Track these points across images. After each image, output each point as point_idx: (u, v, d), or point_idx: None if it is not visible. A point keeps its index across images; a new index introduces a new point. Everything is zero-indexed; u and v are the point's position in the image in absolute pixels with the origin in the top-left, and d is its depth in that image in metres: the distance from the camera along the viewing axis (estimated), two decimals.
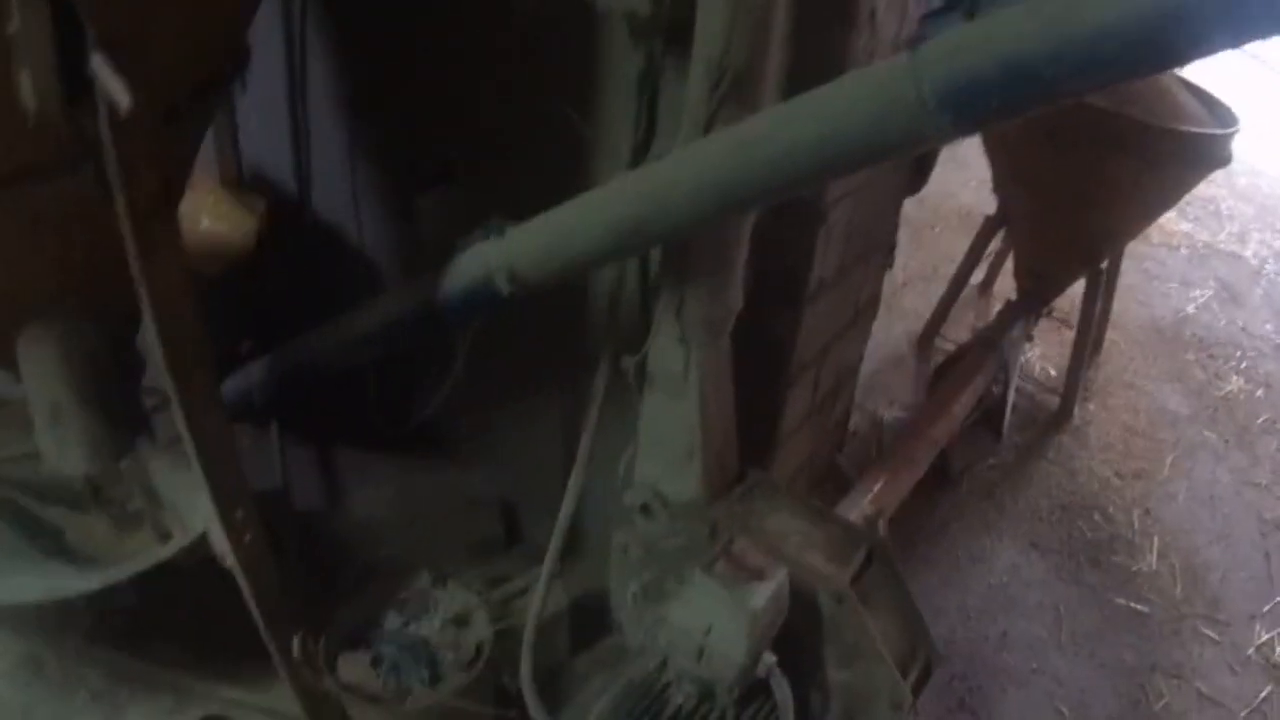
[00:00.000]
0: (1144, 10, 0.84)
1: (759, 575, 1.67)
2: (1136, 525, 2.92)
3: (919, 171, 2.12)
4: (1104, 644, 2.57)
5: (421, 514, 2.63)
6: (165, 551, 1.94)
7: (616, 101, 1.68)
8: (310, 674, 1.96)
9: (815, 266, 1.83)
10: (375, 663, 2.07)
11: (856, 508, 2.29)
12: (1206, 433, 3.37)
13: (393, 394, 2.58)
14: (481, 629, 2.10)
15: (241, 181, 2.71)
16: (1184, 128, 2.77)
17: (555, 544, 1.93)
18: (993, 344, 2.93)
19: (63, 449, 2.01)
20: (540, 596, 1.95)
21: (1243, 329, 4.12)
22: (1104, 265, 3.22)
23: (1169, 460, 3.19)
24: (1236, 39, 0.84)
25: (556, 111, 1.76)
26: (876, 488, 2.37)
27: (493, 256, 1.73)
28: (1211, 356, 3.83)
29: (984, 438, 3.07)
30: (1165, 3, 0.83)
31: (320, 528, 2.67)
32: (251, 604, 1.88)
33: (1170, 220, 4.89)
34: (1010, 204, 3.12)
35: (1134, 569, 2.77)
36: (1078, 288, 3.22)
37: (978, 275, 3.65)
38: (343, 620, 2.12)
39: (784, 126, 1.20)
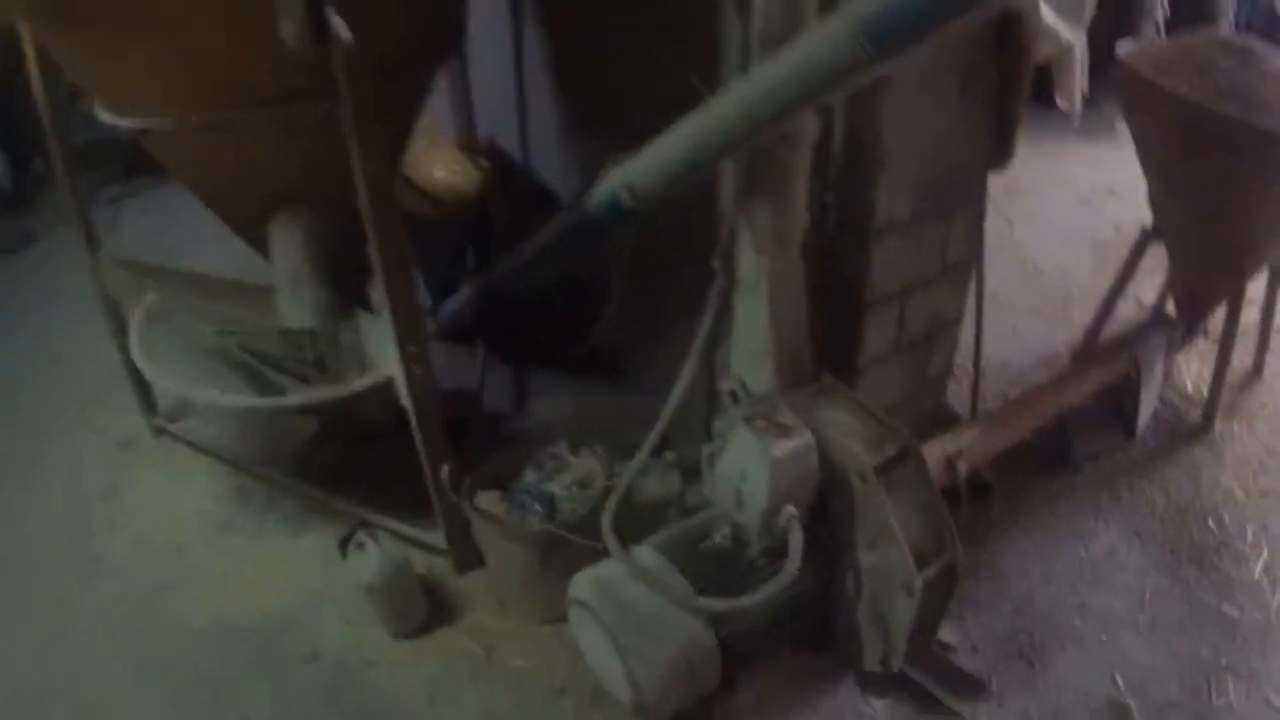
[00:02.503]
0: None
1: (787, 434, 2.08)
2: (1250, 537, 3.06)
3: (1002, 144, 2.50)
4: (1182, 635, 2.73)
5: (585, 421, 3.25)
6: (359, 384, 2.65)
7: (728, 67, 2.21)
8: (451, 495, 2.56)
9: (879, 206, 2.28)
10: (507, 501, 2.64)
11: (940, 446, 2.63)
12: None
13: (572, 323, 3.24)
14: (598, 489, 2.62)
15: (475, 145, 3.50)
16: None
17: (662, 420, 2.42)
18: (1127, 343, 3.16)
19: (296, 309, 2.79)
20: (637, 461, 2.44)
21: None
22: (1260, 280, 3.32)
23: None
24: None
25: (684, 79, 2.33)
26: (968, 435, 2.69)
27: (619, 177, 2.32)
28: None
29: (1115, 434, 3.30)
30: None
31: (503, 424, 3.41)
32: (415, 427, 2.52)
33: None
34: (1161, 217, 3.33)
35: (1235, 575, 2.92)
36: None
37: (1150, 296, 3.81)
38: (490, 469, 2.71)
39: (775, 65, 1.80)
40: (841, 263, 2.46)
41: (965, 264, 2.76)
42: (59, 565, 3.12)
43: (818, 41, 1.68)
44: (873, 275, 2.46)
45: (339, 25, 2.01)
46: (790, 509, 2.10)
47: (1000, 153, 2.57)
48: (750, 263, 2.18)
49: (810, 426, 2.14)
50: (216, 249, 3.44)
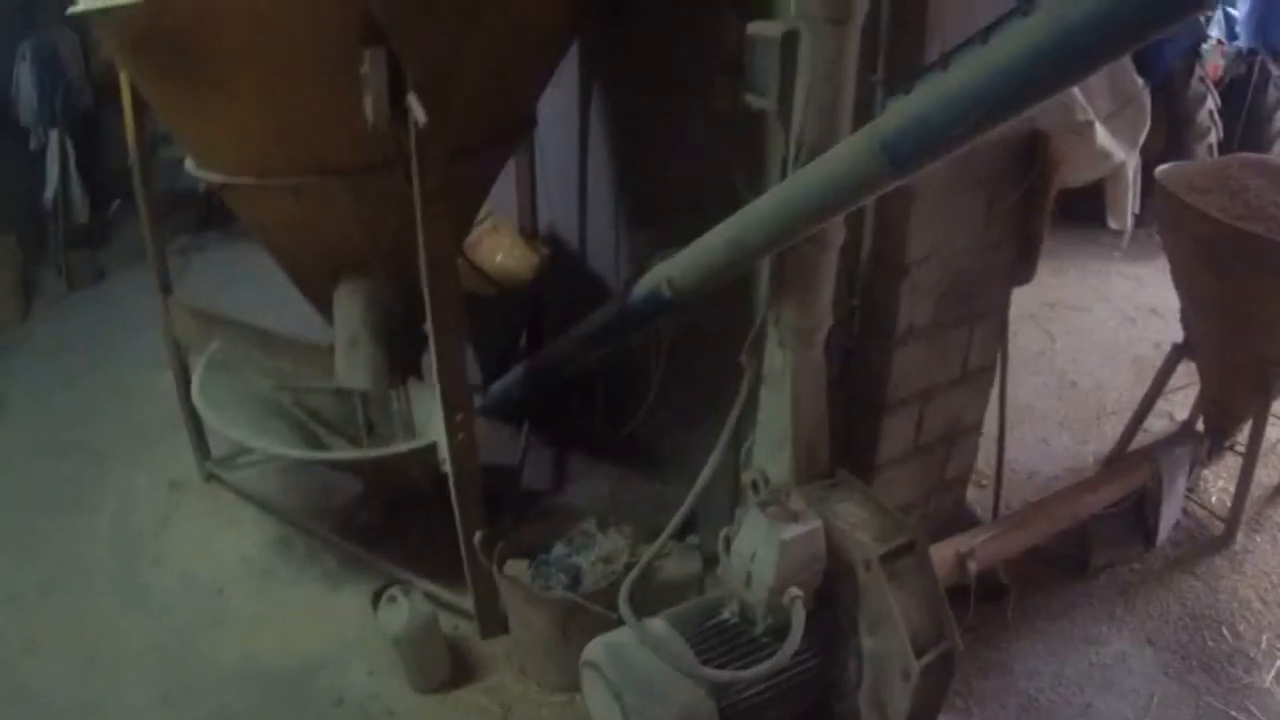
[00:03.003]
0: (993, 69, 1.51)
1: (797, 520, 2.25)
2: (1264, 645, 3.14)
3: (1025, 259, 2.68)
4: None
5: (618, 503, 3.46)
6: (402, 447, 2.82)
7: (770, 173, 2.41)
8: (482, 560, 2.74)
9: (902, 311, 2.47)
10: (534, 570, 2.82)
11: (952, 545, 2.77)
12: None
13: (613, 410, 3.44)
14: (621, 565, 2.79)
15: (535, 233, 3.75)
16: None
17: (686, 503, 2.58)
18: (1149, 454, 3.29)
19: (352, 371, 3.01)
20: (660, 540, 2.60)
21: None
22: None
23: None
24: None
25: (729, 181, 2.54)
26: (981, 537, 2.83)
27: (661, 271, 2.52)
28: None
29: (1134, 543, 3.40)
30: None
31: (540, 500, 3.62)
32: (453, 490, 2.70)
33: None
34: (1191, 333, 3.48)
35: (1246, 682, 3.01)
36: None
37: (1183, 412, 3.94)
38: (521, 539, 2.90)
39: (805, 174, 1.96)
40: (864, 364, 2.63)
41: (986, 371, 2.92)
42: (103, 591, 3.36)
43: (844, 155, 1.87)
44: (893, 378, 2.63)
45: (416, 108, 2.24)
46: (795, 590, 2.24)
47: (1023, 267, 2.74)
48: (775, 358, 2.36)
49: (821, 516, 2.28)
50: (275, 309, 3.72)
